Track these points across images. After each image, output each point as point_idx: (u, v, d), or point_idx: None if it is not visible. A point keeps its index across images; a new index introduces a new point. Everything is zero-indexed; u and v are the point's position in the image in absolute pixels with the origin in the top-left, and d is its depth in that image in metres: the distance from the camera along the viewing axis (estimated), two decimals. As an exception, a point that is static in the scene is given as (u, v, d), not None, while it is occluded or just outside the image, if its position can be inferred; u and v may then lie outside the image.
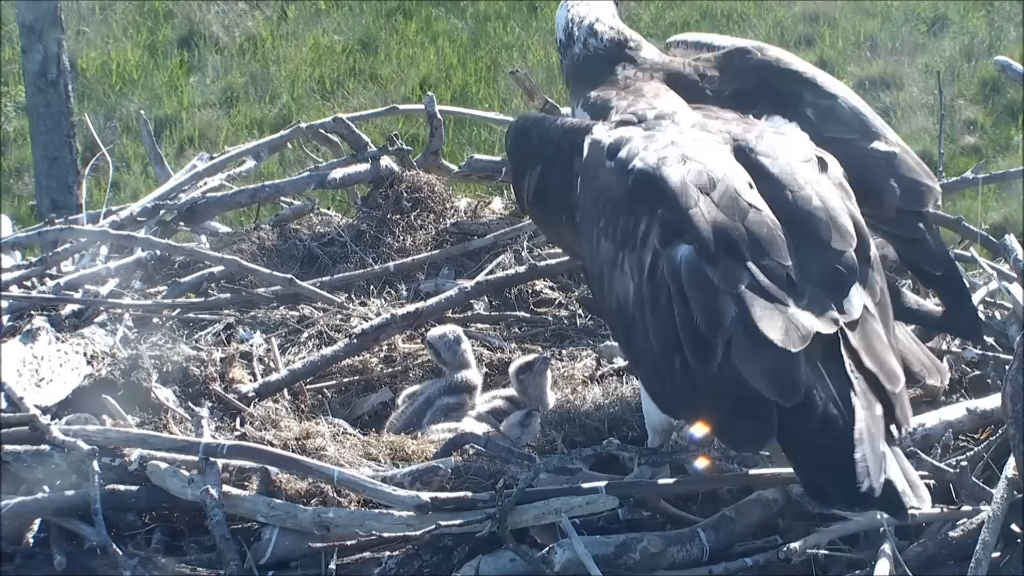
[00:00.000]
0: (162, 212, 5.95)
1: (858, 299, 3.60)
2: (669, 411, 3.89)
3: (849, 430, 3.38)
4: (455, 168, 6.44)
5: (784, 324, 3.46)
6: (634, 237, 3.69)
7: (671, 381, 3.58)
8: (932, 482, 3.84)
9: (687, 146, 3.79)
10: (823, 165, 3.88)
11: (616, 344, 5.01)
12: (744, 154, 3.84)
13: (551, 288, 5.60)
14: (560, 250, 5.60)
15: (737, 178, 3.71)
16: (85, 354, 4.68)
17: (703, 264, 3.55)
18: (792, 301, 3.51)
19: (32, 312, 5.07)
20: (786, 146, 3.90)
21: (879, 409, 3.45)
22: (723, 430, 3.61)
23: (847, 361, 3.50)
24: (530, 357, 4.82)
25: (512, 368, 4.80)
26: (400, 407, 4.81)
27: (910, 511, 3.39)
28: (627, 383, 4.71)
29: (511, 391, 4.81)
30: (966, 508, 3.89)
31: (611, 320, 3.82)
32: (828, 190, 3.78)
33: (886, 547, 3.72)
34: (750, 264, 3.54)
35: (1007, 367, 4.02)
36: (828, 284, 3.59)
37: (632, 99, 4.27)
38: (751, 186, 3.70)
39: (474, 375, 4.84)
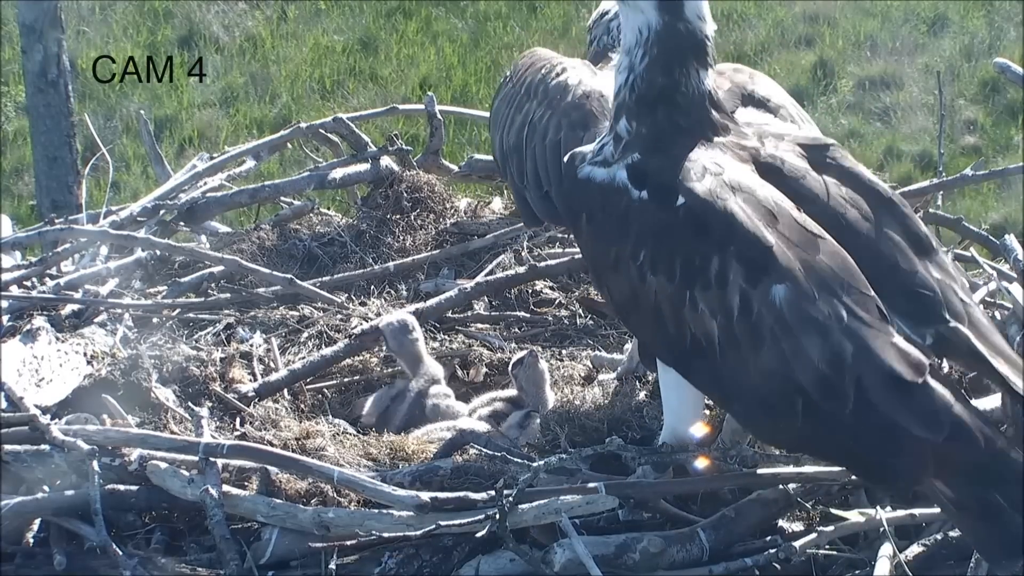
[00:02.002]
0: (162, 212, 5.95)
1: (953, 298, 3.57)
2: (789, 449, 3.88)
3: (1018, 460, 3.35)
4: (455, 168, 6.45)
5: (900, 355, 3.41)
6: (705, 275, 3.55)
7: (791, 422, 3.49)
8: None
9: (723, 170, 3.67)
10: (832, 160, 3.79)
11: (607, 355, 5.02)
12: (768, 173, 3.73)
13: (551, 288, 5.59)
14: (561, 251, 5.63)
15: (786, 204, 3.62)
16: (85, 354, 4.68)
17: (803, 302, 3.47)
18: (893, 330, 3.46)
19: (32, 312, 5.07)
20: (795, 155, 3.80)
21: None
22: (871, 470, 3.55)
23: (991, 359, 3.47)
24: (521, 353, 4.83)
25: (509, 366, 4.81)
26: (391, 404, 4.82)
27: None
28: (627, 383, 4.71)
29: (511, 392, 4.81)
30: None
31: (679, 354, 3.69)
32: (862, 199, 3.70)
33: (886, 547, 3.72)
34: (844, 298, 3.46)
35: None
36: (914, 309, 3.54)
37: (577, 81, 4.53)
38: (800, 210, 3.62)
39: (435, 368, 4.86)
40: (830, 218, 3.64)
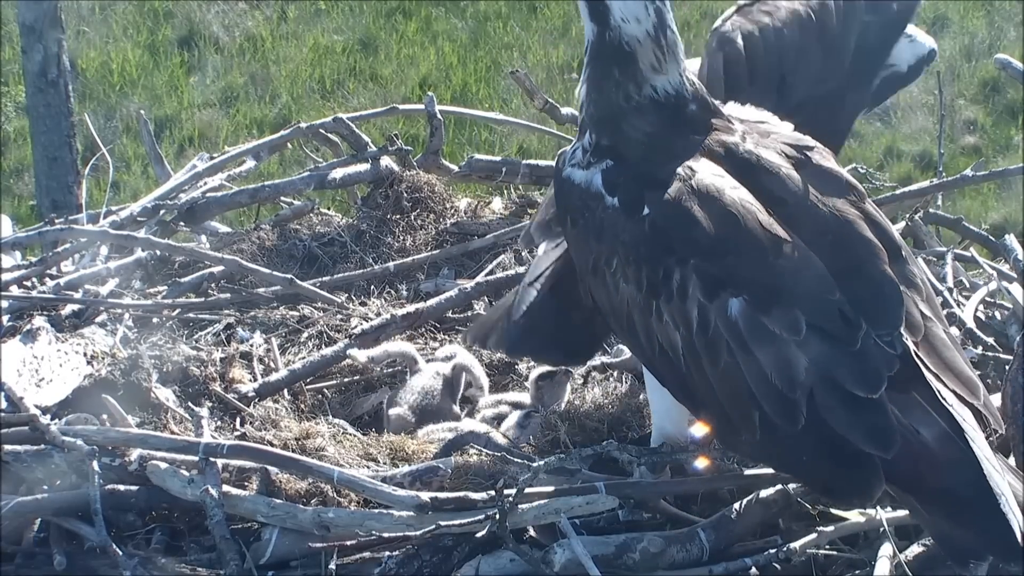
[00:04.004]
0: (162, 212, 5.95)
1: (914, 310, 3.53)
2: (751, 460, 3.86)
3: (975, 469, 3.32)
4: (455, 168, 6.44)
5: (858, 367, 3.38)
6: (667, 288, 3.54)
7: (749, 435, 3.48)
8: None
9: (694, 174, 3.61)
10: (811, 161, 3.72)
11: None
12: (743, 170, 3.67)
13: (551, 288, 5.58)
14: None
15: (754, 207, 3.56)
16: (85, 354, 4.67)
17: (758, 315, 3.44)
18: (855, 338, 3.42)
19: (32, 312, 5.06)
20: (775, 152, 3.74)
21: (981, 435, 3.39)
22: (824, 485, 3.54)
23: (934, 384, 3.43)
24: (555, 368, 4.76)
25: (533, 375, 4.76)
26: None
27: None
28: (627, 383, 4.71)
29: (515, 396, 4.80)
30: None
31: (649, 359, 3.70)
32: (838, 200, 3.65)
33: (886, 547, 3.72)
34: (805, 306, 3.43)
35: (1007, 367, 4.03)
36: (878, 312, 3.48)
37: None
38: (768, 212, 3.56)
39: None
40: (802, 217, 3.59)
